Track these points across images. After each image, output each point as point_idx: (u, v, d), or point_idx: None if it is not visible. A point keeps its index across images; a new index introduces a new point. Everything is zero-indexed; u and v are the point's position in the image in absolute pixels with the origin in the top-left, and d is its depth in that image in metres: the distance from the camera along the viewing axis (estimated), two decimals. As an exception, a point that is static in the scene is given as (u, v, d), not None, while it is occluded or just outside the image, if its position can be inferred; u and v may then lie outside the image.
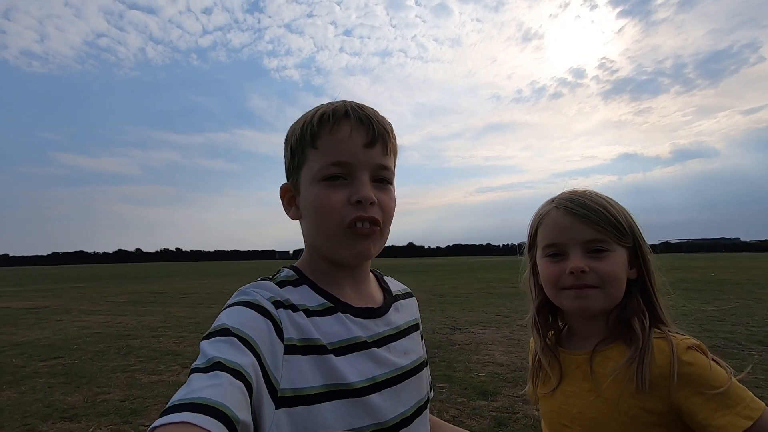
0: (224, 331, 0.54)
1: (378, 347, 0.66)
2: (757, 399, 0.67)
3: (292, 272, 0.68)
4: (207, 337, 0.54)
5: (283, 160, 0.74)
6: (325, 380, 0.58)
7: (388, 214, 0.67)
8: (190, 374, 0.50)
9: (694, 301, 9.82)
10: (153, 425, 0.44)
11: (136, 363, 5.26)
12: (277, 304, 0.60)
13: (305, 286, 0.66)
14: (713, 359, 0.70)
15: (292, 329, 0.59)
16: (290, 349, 0.57)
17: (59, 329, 7.78)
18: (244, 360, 0.51)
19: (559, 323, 0.90)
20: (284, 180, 0.73)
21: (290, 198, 0.71)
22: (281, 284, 0.64)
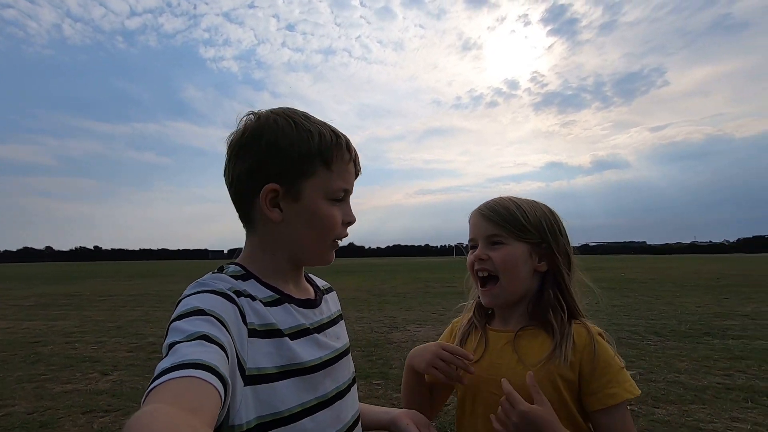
0: (200, 312, 0.57)
1: (318, 333, 0.75)
2: (636, 385, 0.87)
3: (238, 268, 0.73)
4: (180, 318, 0.56)
5: (225, 153, 0.73)
6: (282, 361, 0.66)
7: None
8: (170, 348, 0.51)
9: (606, 298, 10.83)
10: (151, 386, 0.45)
11: (47, 372, 4.79)
12: (237, 293, 0.65)
13: (252, 281, 0.71)
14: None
15: (253, 315, 0.65)
16: (253, 333, 0.64)
17: (-51, 337, 6.83)
18: (224, 338, 0.56)
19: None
20: (221, 176, 0.75)
21: (273, 199, 0.70)
22: (233, 277, 0.69)
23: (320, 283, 0.90)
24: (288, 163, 0.70)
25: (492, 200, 1.00)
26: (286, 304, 0.72)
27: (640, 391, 0.86)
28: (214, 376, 0.48)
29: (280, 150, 0.70)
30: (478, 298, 1.02)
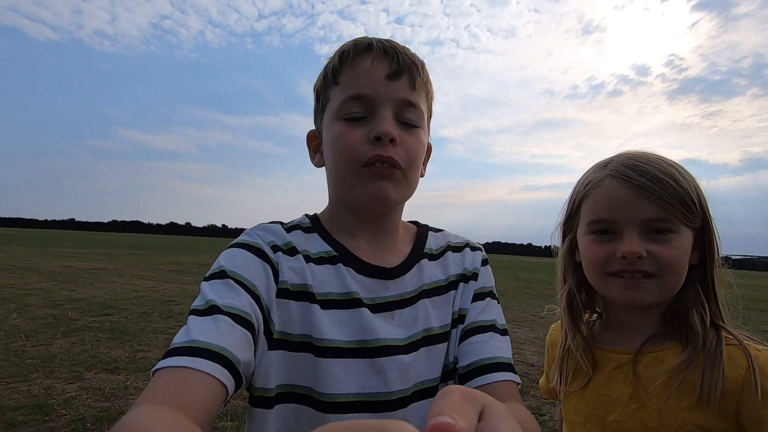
0: (221, 274, 0.55)
1: (375, 312, 0.59)
2: None
3: (307, 219, 0.67)
4: (207, 279, 0.56)
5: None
6: (304, 330, 0.57)
7: (413, 157, 0.60)
8: (189, 315, 0.51)
9: (754, 320, 9.04)
10: (156, 367, 0.46)
11: (176, 326, 5.53)
12: (275, 248, 0.60)
13: (315, 234, 0.64)
14: None
15: (288, 272, 0.59)
16: (283, 293, 0.57)
17: (111, 290, 8.34)
18: (242, 301, 0.52)
19: (596, 309, 0.79)
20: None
21: (316, 145, 0.67)
22: (291, 228, 0.63)
23: (438, 242, 0.68)
24: (315, 102, 0.67)
25: (637, 161, 0.68)
26: (341, 264, 0.61)
27: None
28: (214, 363, 0.45)
29: (314, 96, 0.68)
30: (570, 297, 0.75)
